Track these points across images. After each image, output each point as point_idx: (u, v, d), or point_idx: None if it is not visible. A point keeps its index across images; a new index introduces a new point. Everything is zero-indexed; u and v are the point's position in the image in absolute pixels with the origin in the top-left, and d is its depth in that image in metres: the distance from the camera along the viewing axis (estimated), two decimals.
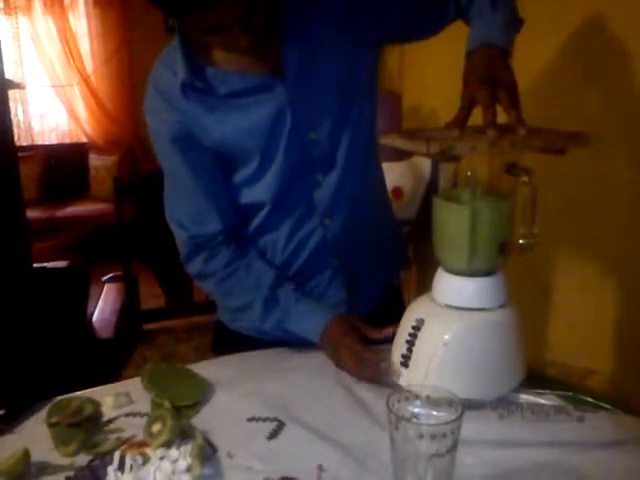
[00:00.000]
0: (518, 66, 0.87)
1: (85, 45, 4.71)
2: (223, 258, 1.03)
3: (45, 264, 2.32)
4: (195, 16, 0.82)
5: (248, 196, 1.03)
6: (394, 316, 0.94)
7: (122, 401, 0.89)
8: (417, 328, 0.86)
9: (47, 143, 4.86)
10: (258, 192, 1.02)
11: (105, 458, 0.75)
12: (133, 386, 0.92)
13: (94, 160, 4.69)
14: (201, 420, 0.84)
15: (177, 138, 0.98)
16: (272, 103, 0.96)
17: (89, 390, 0.93)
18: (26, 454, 0.74)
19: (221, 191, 1.03)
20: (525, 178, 0.81)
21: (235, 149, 0.99)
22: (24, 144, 4.68)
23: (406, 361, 0.87)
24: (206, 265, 1.04)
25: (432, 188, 2.15)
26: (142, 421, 0.81)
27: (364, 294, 1.11)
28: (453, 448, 0.62)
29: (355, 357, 0.92)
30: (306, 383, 0.93)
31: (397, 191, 2.13)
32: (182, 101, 0.96)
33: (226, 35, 0.85)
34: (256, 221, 1.05)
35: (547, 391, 0.86)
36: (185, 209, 1.04)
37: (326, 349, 0.98)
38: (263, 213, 1.03)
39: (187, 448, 0.74)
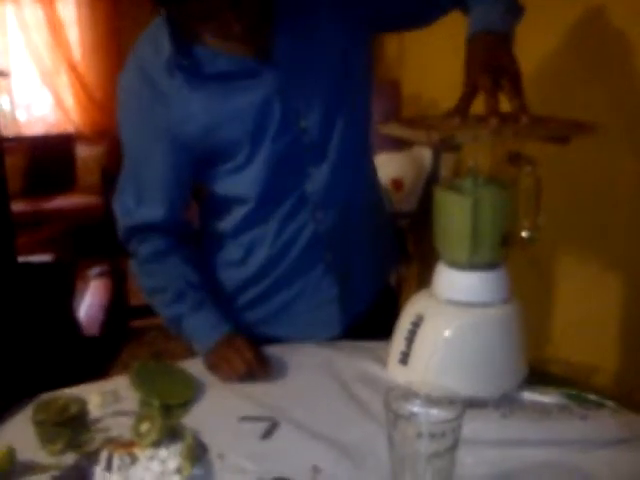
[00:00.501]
0: (521, 55, 0.85)
1: (74, 33, 4.66)
2: (152, 247, 1.03)
3: (30, 258, 2.28)
4: (187, 4, 0.81)
5: (233, 187, 1.01)
6: (389, 319, 0.93)
7: (109, 399, 0.87)
8: (416, 324, 0.84)
9: (32, 134, 4.80)
10: (244, 182, 0.99)
11: (92, 457, 0.74)
12: (120, 384, 0.90)
13: (81, 151, 4.62)
14: (191, 419, 0.83)
15: (165, 136, 0.97)
16: (260, 89, 0.94)
17: (75, 388, 0.91)
18: (11, 452, 0.73)
19: (183, 189, 1.03)
20: (528, 168, 0.79)
21: (221, 137, 0.96)
22: (9, 135, 4.61)
23: (405, 358, 0.85)
24: (138, 247, 1.04)
25: (433, 179, 2.09)
26: (130, 420, 0.79)
27: (357, 291, 1.09)
28: (453, 447, 0.61)
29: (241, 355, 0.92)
30: (301, 381, 0.91)
31: (397, 182, 2.07)
32: (166, 81, 0.94)
33: (219, 22, 0.85)
34: (242, 213, 1.02)
35: (550, 389, 0.84)
36: (135, 192, 1.03)
37: (210, 355, 0.96)
38: (250, 205, 1.01)
39: (177, 448, 0.73)
